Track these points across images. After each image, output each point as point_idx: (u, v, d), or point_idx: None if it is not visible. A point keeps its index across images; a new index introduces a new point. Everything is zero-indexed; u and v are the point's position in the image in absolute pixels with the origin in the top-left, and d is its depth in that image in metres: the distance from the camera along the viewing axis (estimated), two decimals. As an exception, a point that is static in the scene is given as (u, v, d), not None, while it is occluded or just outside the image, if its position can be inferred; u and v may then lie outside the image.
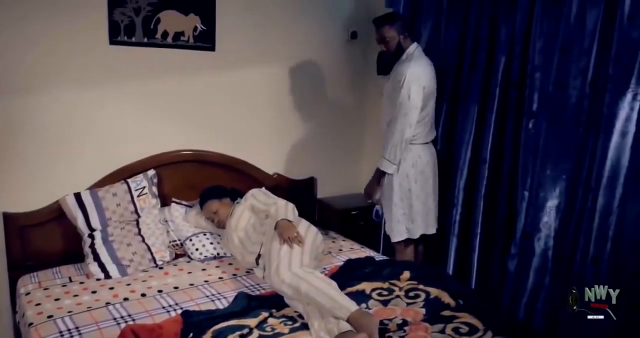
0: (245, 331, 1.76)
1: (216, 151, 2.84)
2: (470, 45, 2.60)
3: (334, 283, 1.90)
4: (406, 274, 2.19)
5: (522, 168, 2.41)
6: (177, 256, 2.52)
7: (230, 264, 2.45)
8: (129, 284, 2.19)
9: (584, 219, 2.18)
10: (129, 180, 2.52)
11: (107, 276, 2.24)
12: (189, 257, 2.51)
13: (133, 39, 2.49)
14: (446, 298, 2.02)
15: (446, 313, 1.93)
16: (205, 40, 2.69)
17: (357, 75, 3.32)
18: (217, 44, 2.73)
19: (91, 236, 2.34)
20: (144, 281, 2.23)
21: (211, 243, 2.53)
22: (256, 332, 1.77)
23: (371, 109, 3.33)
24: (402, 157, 2.48)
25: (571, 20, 2.16)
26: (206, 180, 2.68)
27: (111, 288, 2.15)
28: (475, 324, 1.84)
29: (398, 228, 2.57)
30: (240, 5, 2.78)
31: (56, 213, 2.40)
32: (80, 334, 1.80)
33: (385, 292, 2.09)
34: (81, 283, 2.20)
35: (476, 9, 2.55)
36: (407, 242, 2.62)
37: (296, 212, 2.35)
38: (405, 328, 1.83)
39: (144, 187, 2.51)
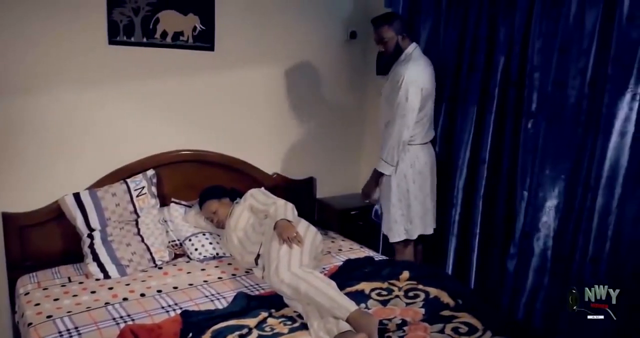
0: (245, 331, 1.76)
1: (215, 151, 2.83)
2: (469, 45, 2.60)
3: (334, 283, 1.90)
4: (405, 274, 2.19)
5: (521, 168, 2.41)
6: (177, 256, 2.52)
7: (229, 264, 2.45)
8: (128, 284, 2.19)
9: (583, 219, 2.18)
10: (129, 180, 2.51)
11: (107, 276, 2.24)
12: (188, 257, 2.51)
13: (132, 39, 2.49)
14: (445, 298, 2.02)
15: (445, 313, 1.93)
16: (205, 40, 2.69)
17: (357, 75, 3.32)
18: (216, 44, 2.73)
19: (90, 236, 2.34)
20: (143, 281, 2.23)
21: (210, 243, 2.53)
22: (255, 332, 1.77)
23: (370, 109, 3.33)
24: (400, 157, 2.48)
25: (570, 20, 2.16)
26: (205, 180, 2.68)
27: (110, 288, 2.15)
28: (475, 324, 1.84)
29: (396, 229, 2.57)
30: (239, 5, 2.78)
31: (55, 214, 2.40)
32: (79, 334, 1.80)
33: (384, 292, 2.09)
34: (80, 283, 2.19)
35: (475, 9, 2.55)
36: (407, 241, 2.62)
37: (295, 212, 2.35)
38: (405, 328, 1.83)
39: (143, 187, 2.51)
